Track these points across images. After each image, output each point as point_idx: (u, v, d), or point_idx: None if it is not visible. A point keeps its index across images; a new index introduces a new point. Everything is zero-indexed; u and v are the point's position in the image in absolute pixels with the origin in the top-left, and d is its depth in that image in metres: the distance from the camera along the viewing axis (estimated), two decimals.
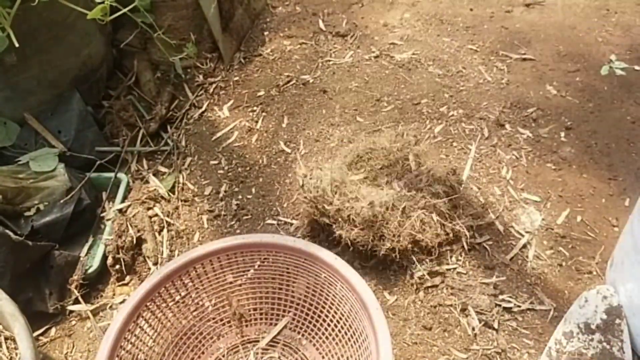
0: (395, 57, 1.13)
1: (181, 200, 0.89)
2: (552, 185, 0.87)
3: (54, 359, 0.71)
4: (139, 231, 0.81)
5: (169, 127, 1.02)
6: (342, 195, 0.74)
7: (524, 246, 0.79)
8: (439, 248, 0.75)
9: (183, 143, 0.99)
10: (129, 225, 0.81)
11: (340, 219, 0.73)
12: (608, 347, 0.62)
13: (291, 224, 0.84)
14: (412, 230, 0.73)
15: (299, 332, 0.66)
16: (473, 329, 0.69)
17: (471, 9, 1.28)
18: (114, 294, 0.77)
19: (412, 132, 0.95)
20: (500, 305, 0.72)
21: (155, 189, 0.88)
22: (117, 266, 0.78)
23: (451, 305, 0.72)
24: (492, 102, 1.02)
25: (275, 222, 0.85)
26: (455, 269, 0.76)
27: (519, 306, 0.71)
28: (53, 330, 0.74)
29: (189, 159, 0.96)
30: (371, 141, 0.85)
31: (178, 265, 0.64)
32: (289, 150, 0.96)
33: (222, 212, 0.86)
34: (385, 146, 0.83)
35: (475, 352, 0.68)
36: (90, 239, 0.83)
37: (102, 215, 0.86)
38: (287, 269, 0.67)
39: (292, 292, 0.68)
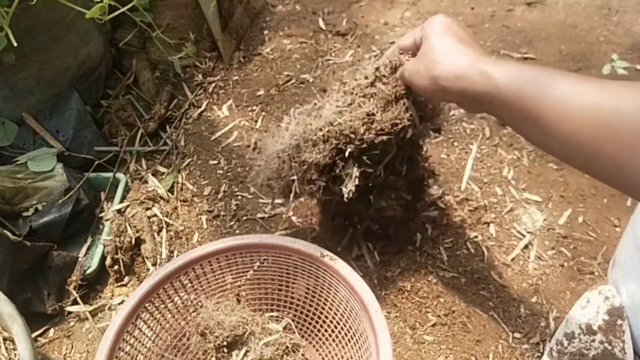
0: None
1: (180, 201, 0.88)
2: (553, 185, 0.86)
3: None
4: (137, 231, 0.81)
5: (167, 127, 1.02)
6: None
7: (526, 246, 0.78)
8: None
9: (182, 143, 0.99)
10: (127, 226, 0.81)
11: None
12: (610, 347, 0.62)
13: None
14: None
15: (298, 333, 0.65)
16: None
17: (472, 8, 1.28)
18: (112, 295, 0.77)
19: None
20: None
21: (154, 189, 0.88)
22: (116, 267, 0.78)
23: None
24: None
25: None
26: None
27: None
28: (52, 331, 0.74)
29: (188, 159, 0.96)
30: None
31: (177, 266, 0.63)
32: None
33: (222, 213, 0.86)
34: None
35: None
36: (89, 240, 0.83)
37: (100, 215, 0.85)
38: (287, 269, 0.66)
39: (292, 293, 0.68)
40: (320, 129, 0.59)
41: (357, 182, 0.58)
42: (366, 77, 0.60)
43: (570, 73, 0.42)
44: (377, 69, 0.59)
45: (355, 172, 0.58)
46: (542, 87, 0.42)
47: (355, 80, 0.61)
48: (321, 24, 1.23)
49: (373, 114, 0.57)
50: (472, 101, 0.49)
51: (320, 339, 0.66)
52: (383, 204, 0.67)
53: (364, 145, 0.58)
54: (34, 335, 0.72)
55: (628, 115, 0.36)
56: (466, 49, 0.50)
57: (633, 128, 0.36)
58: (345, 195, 0.59)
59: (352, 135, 0.58)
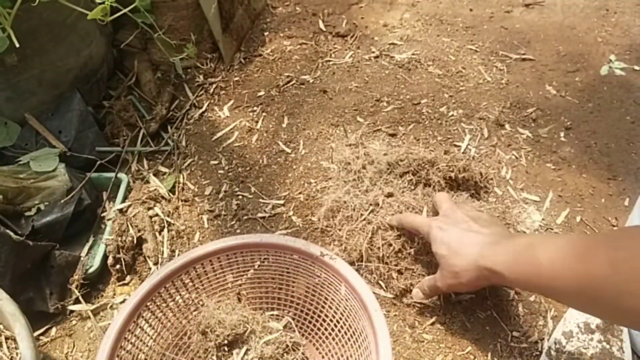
0: (395, 57, 1.13)
1: (181, 200, 0.89)
2: (551, 185, 0.87)
3: (55, 359, 0.71)
4: (139, 231, 0.81)
5: (169, 127, 1.02)
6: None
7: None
8: None
9: (183, 143, 0.99)
10: (129, 225, 0.81)
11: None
12: (608, 346, 0.62)
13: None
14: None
15: (298, 332, 0.66)
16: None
17: (471, 10, 1.28)
18: (114, 294, 0.77)
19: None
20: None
21: (155, 189, 0.88)
22: (118, 266, 0.78)
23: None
24: (492, 102, 1.02)
25: None
26: None
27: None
28: (54, 330, 0.74)
29: (189, 159, 0.96)
30: None
31: (178, 265, 0.64)
32: (289, 150, 0.96)
33: (223, 212, 0.87)
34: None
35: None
36: (91, 239, 0.83)
37: (102, 215, 0.86)
38: (287, 268, 0.67)
39: (292, 292, 0.68)
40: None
41: None
42: None
43: (549, 245, 0.52)
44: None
45: None
46: (535, 273, 0.52)
47: None
48: (321, 25, 1.24)
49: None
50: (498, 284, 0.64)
51: (320, 338, 0.66)
52: None
53: None
54: (36, 334, 0.73)
55: (603, 272, 0.44)
56: (466, 247, 0.60)
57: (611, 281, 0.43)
58: None
59: None
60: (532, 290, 0.60)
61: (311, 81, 1.10)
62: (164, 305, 0.65)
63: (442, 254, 0.62)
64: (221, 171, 0.94)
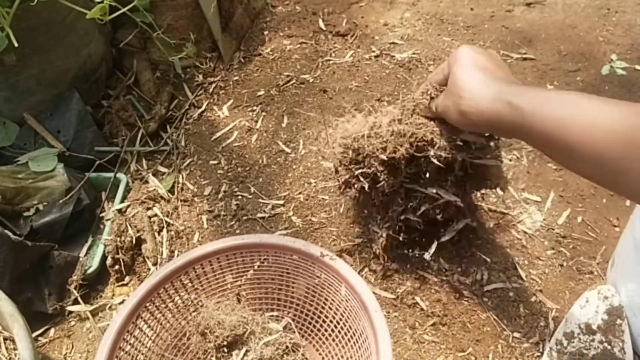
0: (396, 57, 1.13)
1: (181, 201, 0.88)
2: (552, 185, 0.87)
3: None
4: (138, 231, 0.81)
5: (168, 127, 1.02)
6: None
7: (525, 246, 0.78)
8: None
9: (182, 143, 0.99)
10: (128, 226, 0.81)
11: None
12: (609, 347, 0.62)
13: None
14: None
15: (298, 333, 0.65)
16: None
17: (472, 9, 1.28)
18: (113, 295, 0.77)
19: None
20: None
21: (154, 189, 0.88)
22: (117, 266, 0.78)
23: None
24: None
25: None
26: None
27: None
28: (52, 330, 0.74)
29: (188, 159, 0.96)
30: None
31: (177, 265, 0.64)
32: (288, 150, 0.96)
33: (222, 213, 0.86)
34: None
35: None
36: (90, 239, 0.83)
37: (101, 215, 0.86)
38: (287, 269, 0.66)
39: (292, 292, 0.68)
40: (389, 126, 0.62)
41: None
42: (408, 109, 0.63)
43: (594, 97, 0.44)
44: (416, 104, 0.62)
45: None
46: (571, 114, 0.43)
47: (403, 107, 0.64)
48: (321, 24, 1.24)
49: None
50: (502, 131, 0.52)
51: (320, 339, 0.66)
52: (422, 209, 0.68)
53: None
54: (34, 334, 0.73)
55: None
56: (490, 80, 0.51)
57: None
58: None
59: (426, 141, 0.61)
60: (545, 147, 0.47)
61: (311, 81, 1.09)
62: (163, 306, 0.64)
63: (461, 74, 0.53)
64: (220, 171, 0.93)
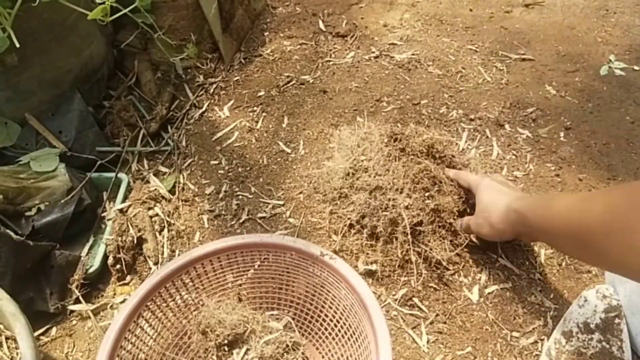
0: (395, 58, 1.13)
1: (182, 200, 0.89)
2: (551, 185, 0.87)
3: (55, 359, 0.71)
4: (139, 231, 0.81)
5: (169, 127, 1.02)
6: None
7: (524, 245, 0.79)
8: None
9: (183, 143, 1.00)
10: (129, 225, 0.81)
11: None
12: (607, 346, 0.62)
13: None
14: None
15: (298, 332, 0.66)
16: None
17: (471, 10, 1.28)
18: (114, 294, 0.78)
19: None
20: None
21: (155, 189, 0.89)
22: (118, 266, 0.78)
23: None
24: (492, 102, 1.02)
25: None
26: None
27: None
28: (54, 329, 0.74)
29: (189, 159, 0.96)
30: None
31: (178, 265, 0.64)
32: (289, 150, 0.96)
33: (223, 212, 0.87)
34: None
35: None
36: (91, 239, 0.83)
37: (102, 215, 0.86)
38: (287, 268, 0.67)
39: (292, 291, 0.68)
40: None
41: None
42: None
43: (562, 195, 0.64)
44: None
45: None
46: (546, 209, 0.59)
47: None
48: (321, 25, 1.24)
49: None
50: (522, 234, 0.67)
51: (320, 338, 0.66)
52: None
53: None
54: (36, 334, 0.73)
55: (596, 214, 0.51)
56: (503, 195, 0.68)
57: (598, 224, 0.50)
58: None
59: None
60: (545, 237, 0.63)
61: (311, 81, 1.10)
62: (164, 305, 0.65)
63: (483, 197, 0.71)
64: (221, 171, 0.94)
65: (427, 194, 0.75)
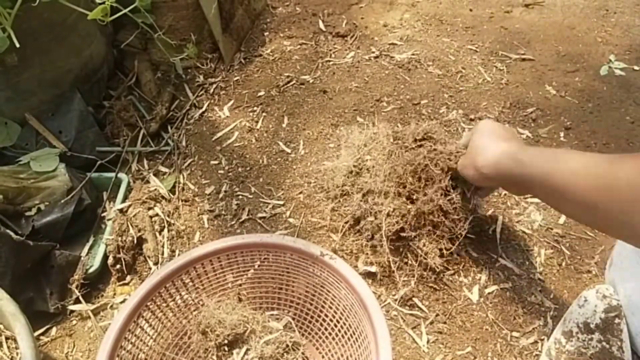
0: (395, 58, 1.13)
1: (182, 200, 0.89)
2: None
3: (55, 359, 0.71)
4: (139, 231, 0.81)
5: (169, 127, 1.02)
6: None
7: (524, 246, 0.79)
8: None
9: (183, 143, 1.00)
10: (129, 225, 0.81)
11: None
12: (607, 346, 0.62)
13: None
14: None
15: (298, 332, 0.66)
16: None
17: (471, 10, 1.29)
18: (114, 294, 0.78)
19: None
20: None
21: (155, 189, 0.89)
22: (118, 266, 0.78)
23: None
24: (492, 102, 1.02)
25: None
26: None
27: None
28: (54, 329, 0.74)
29: (189, 159, 0.96)
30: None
31: (178, 265, 0.64)
32: (289, 150, 0.96)
33: (223, 212, 0.87)
34: None
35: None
36: (91, 239, 0.83)
37: (102, 215, 0.86)
38: (287, 268, 0.67)
39: (292, 291, 0.68)
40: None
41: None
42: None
43: (575, 151, 0.53)
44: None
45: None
46: (557, 163, 0.53)
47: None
48: (321, 25, 1.24)
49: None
50: (511, 183, 0.61)
51: (320, 337, 0.66)
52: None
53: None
54: (36, 334, 0.73)
55: (624, 180, 0.45)
56: (502, 143, 0.62)
57: (627, 189, 0.44)
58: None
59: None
60: (545, 192, 0.55)
61: (311, 81, 1.10)
62: (164, 305, 0.65)
63: (476, 138, 0.65)
64: (221, 171, 0.94)
65: (414, 197, 0.73)
